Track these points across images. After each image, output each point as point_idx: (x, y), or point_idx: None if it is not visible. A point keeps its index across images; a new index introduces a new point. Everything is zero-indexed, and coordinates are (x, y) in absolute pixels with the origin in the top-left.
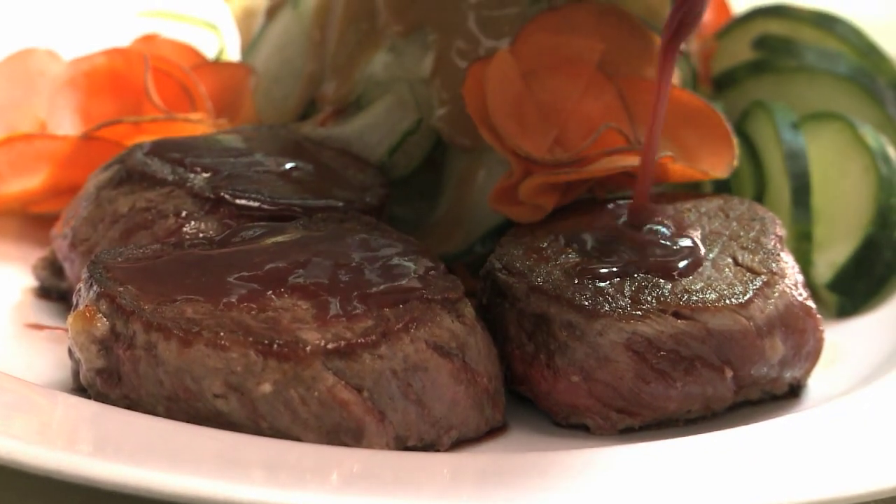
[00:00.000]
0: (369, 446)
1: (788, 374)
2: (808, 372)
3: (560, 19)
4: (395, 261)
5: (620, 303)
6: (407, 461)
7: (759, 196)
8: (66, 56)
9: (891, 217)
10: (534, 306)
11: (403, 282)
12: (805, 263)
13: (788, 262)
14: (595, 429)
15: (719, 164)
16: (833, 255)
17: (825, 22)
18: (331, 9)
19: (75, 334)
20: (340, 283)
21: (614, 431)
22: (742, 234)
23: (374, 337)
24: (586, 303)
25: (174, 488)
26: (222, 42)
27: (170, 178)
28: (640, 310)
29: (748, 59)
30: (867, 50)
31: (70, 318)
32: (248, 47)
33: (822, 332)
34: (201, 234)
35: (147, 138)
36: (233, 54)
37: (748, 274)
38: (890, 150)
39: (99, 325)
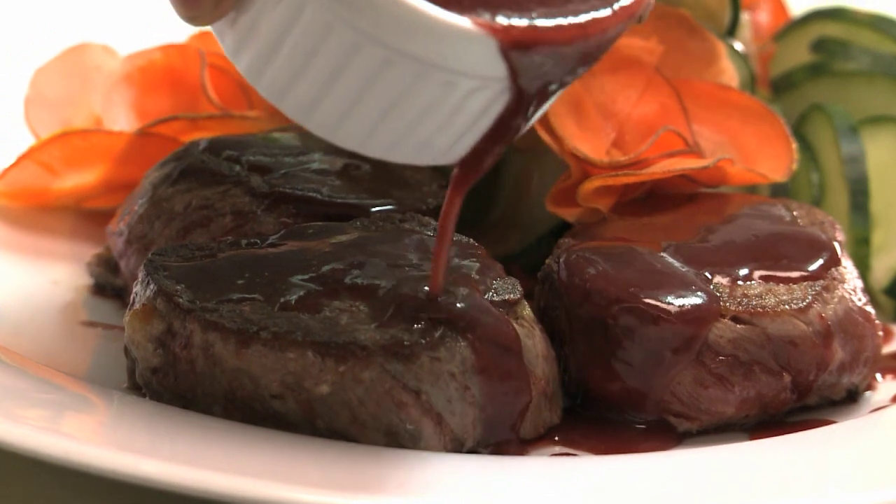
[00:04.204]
0: (426, 449)
1: (846, 380)
2: (866, 377)
3: None
4: (453, 262)
5: (679, 307)
6: (466, 465)
7: (818, 200)
8: (121, 51)
9: None
10: (592, 309)
11: (461, 283)
12: (863, 268)
13: (848, 266)
14: (651, 432)
15: (778, 167)
16: (891, 259)
17: (883, 25)
18: None
19: (132, 332)
20: (398, 284)
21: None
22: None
23: (432, 339)
24: (643, 307)
25: (230, 489)
26: None
27: (227, 175)
28: None
29: (806, 61)
30: None
31: (127, 317)
32: None
33: (880, 337)
34: (258, 233)
35: (203, 135)
36: None
37: (808, 279)
38: None
39: (156, 323)
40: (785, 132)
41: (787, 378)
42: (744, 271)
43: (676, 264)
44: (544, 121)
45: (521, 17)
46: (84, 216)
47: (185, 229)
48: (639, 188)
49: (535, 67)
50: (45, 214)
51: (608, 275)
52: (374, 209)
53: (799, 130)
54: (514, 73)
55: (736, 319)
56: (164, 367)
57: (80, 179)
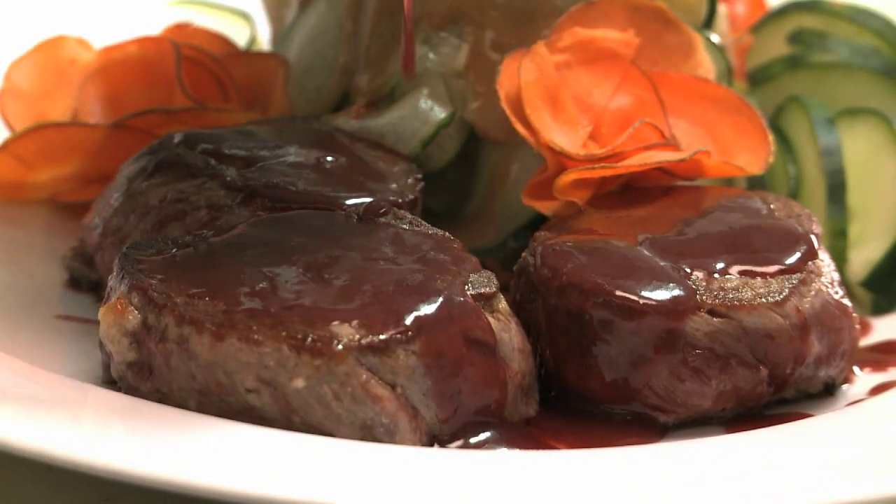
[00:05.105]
0: (402, 442)
1: (823, 373)
2: (843, 371)
3: (595, 13)
4: (429, 255)
5: (656, 300)
6: (441, 458)
7: (794, 193)
8: (97, 44)
9: None
10: (568, 302)
11: (437, 277)
12: (840, 261)
13: (825, 260)
14: (629, 426)
15: (755, 160)
16: (868, 252)
17: (860, 17)
18: (364, 0)
19: (106, 327)
20: (374, 277)
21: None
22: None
23: (408, 332)
24: (621, 300)
25: (205, 484)
26: (254, 32)
27: (202, 169)
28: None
29: (783, 53)
30: None
31: (101, 311)
32: (281, 37)
33: (857, 330)
34: (233, 227)
35: (179, 129)
36: (265, 44)
37: (784, 272)
38: None
39: (130, 317)
40: (762, 125)
41: (763, 371)
42: (720, 264)
43: (653, 257)
44: (520, 113)
45: None
46: (59, 209)
47: (160, 223)
48: (615, 181)
49: None
50: (20, 208)
51: (584, 268)
52: (349, 202)
53: (776, 123)
54: None
55: (712, 313)
56: (139, 362)
57: (55, 172)
